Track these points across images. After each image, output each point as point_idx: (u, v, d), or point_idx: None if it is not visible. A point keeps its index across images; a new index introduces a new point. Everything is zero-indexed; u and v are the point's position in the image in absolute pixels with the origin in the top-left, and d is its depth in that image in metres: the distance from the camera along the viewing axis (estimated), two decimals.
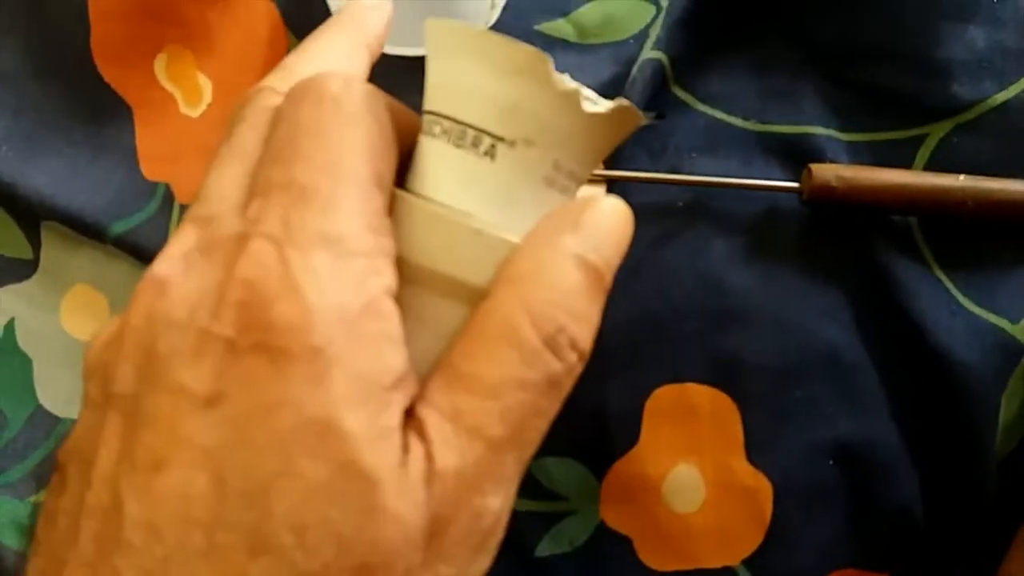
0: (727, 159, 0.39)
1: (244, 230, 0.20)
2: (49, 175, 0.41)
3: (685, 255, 0.38)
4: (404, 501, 0.19)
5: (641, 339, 0.37)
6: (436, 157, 0.23)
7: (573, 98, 0.22)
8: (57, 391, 0.42)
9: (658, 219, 0.38)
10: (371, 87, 0.23)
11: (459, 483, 0.20)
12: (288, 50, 0.39)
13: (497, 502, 0.21)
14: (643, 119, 0.24)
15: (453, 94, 0.23)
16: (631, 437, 0.36)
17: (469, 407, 0.20)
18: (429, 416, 0.20)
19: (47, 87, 0.43)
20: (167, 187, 0.41)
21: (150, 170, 0.42)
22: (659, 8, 0.40)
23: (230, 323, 0.19)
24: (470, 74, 0.23)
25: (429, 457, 0.20)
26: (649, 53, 0.37)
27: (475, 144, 0.22)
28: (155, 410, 0.19)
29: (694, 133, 0.39)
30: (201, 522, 0.18)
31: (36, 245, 0.42)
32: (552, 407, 0.22)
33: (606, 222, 0.23)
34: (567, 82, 0.22)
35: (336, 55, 0.25)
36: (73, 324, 0.42)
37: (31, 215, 0.42)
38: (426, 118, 0.24)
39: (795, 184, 0.37)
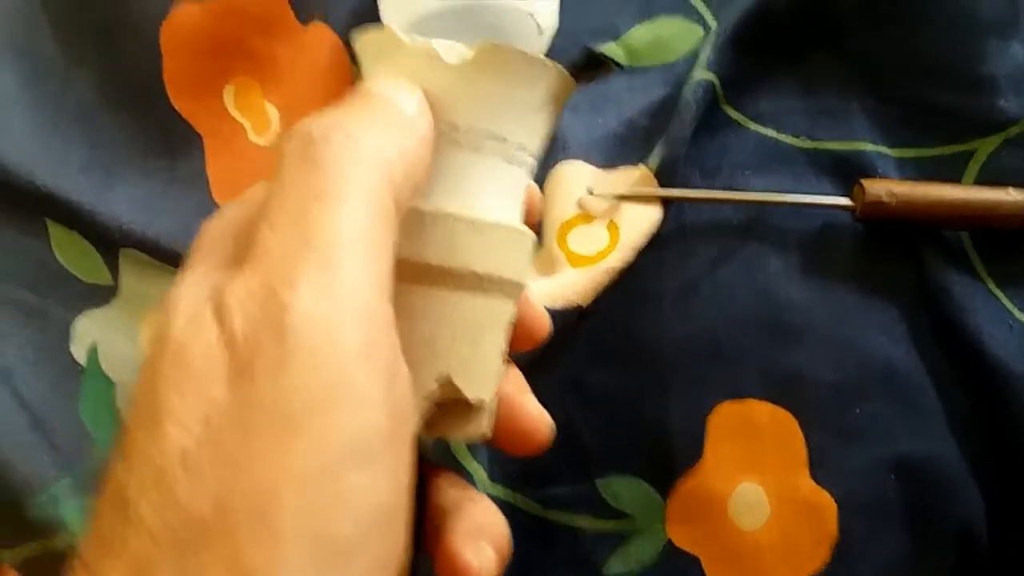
0: (779, 176, 0.37)
1: None
2: (127, 203, 0.41)
3: (742, 272, 0.36)
4: None
5: (701, 356, 0.35)
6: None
7: (430, 54, 0.21)
8: None
9: (714, 237, 0.36)
10: None
11: None
12: (351, 78, 0.38)
13: None
14: (524, 55, 0.21)
15: None
16: (694, 454, 0.35)
17: None
18: None
19: (121, 118, 0.42)
20: None
21: (222, 196, 0.41)
22: (708, 29, 0.39)
23: None
24: (368, 75, 0.22)
25: None
26: (700, 74, 0.36)
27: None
28: None
29: (746, 152, 0.37)
30: None
31: (115, 271, 0.42)
32: None
33: None
34: (419, 40, 0.21)
35: None
36: None
37: (110, 242, 0.41)
38: None
39: (847, 201, 0.36)
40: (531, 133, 0.22)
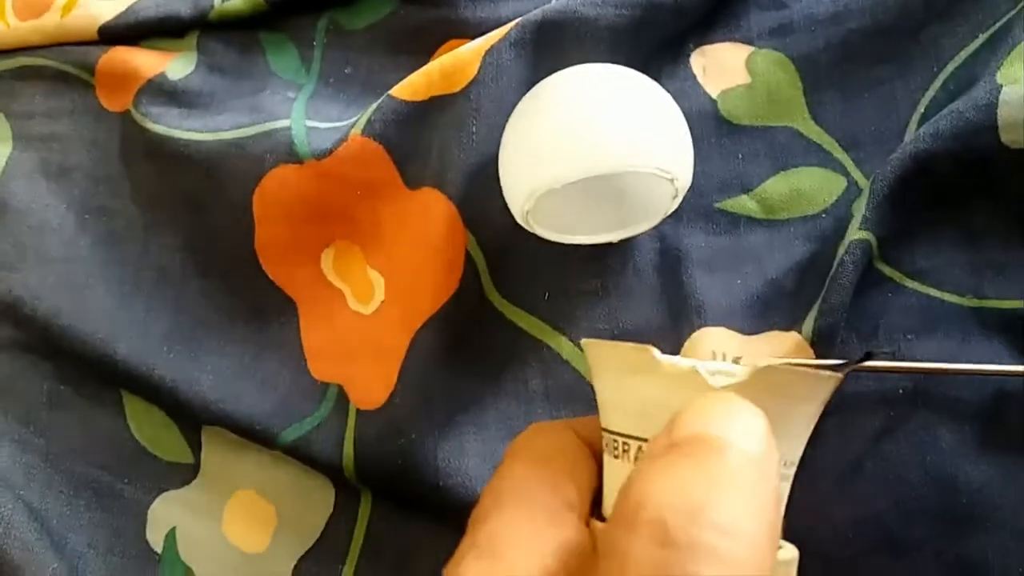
0: (944, 339, 0.32)
1: None
2: (213, 377, 0.37)
3: (911, 448, 0.31)
4: None
5: (868, 548, 0.30)
6: (607, 472, 0.23)
7: (691, 378, 0.21)
8: None
9: (878, 408, 0.32)
10: None
11: None
12: (465, 247, 0.35)
13: None
14: (812, 374, 0.21)
15: (601, 408, 0.23)
16: None
17: None
18: None
19: (208, 284, 0.38)
20: (340, 389, 0.36)
21: (319, 370, 0.36)
22: (850, 179, 0.35)
23: None
24: (602, 387, 0.23)
25: None
26: (856, 234, 0.32)
27: (625, 451, 0.22)
28: None
29: (905, 312, 0.33)
30: None
31: (197, 448, 0.38)
32: None
33: None
34: (681, 363, 0.21)
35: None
36: (235, 532, 0.36)
37: (193, 418, 0.37)
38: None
39: None
40: (799, 444, 0.21)
